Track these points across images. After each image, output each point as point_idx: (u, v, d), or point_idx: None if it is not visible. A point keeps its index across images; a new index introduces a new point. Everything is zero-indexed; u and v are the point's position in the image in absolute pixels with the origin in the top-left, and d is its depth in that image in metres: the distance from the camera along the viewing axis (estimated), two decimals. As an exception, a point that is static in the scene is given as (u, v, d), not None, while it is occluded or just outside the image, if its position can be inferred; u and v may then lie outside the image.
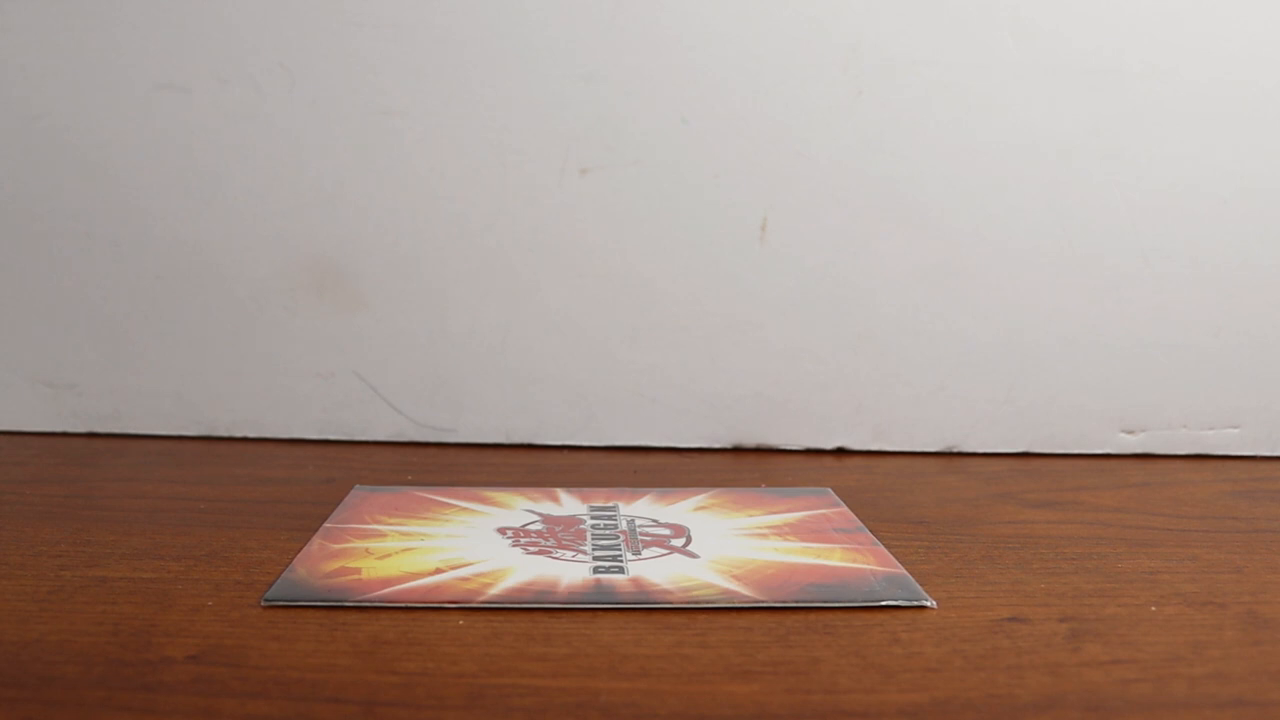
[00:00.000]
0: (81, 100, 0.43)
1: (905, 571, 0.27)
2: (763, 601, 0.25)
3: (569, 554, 0.29)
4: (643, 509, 0.34)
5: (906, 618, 0.24)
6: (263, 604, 0.25)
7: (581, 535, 0.31)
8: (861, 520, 0.33)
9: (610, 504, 0.34)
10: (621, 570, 0.27)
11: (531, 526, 0.32)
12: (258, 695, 0.20)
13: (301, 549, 0.29)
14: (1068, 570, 0.28)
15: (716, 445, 0.45)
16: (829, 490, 0.36)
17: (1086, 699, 0.20)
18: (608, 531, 0.31)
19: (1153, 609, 0.25)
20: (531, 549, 0.29)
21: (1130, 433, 0.44)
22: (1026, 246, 0.43)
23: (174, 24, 0.43)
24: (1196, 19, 0.42)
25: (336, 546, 0.30)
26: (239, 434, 0.45)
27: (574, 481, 0.38)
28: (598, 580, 0.27)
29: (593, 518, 0.33)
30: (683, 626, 0.24)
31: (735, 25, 0.42)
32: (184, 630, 0.23)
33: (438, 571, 0.27)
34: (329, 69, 0.43)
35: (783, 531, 0.31)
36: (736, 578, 0.27)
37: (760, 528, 0.31)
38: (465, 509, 0.34)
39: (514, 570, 0.27)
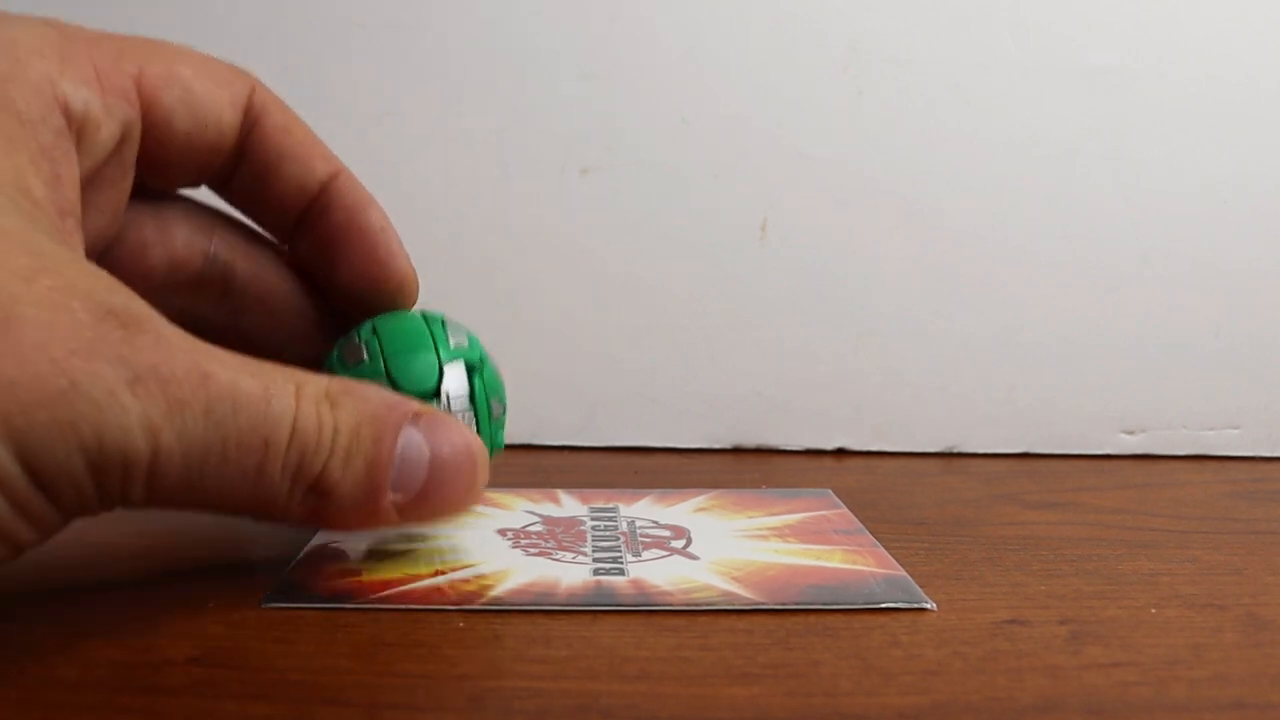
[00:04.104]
0: (81, 100, 0.43)
1: (905, 573, 0.27)
2: (763, 604, 0.25)
3: (569, 555, 0.29)
4: (643, 510, 0.34)
5: (907, 620, 0.24)
6: (263, 606, 0.25)
7: (582, 537, 0.31)
8: (862, 521, 0.33)
9: (610, 505, 0.34)
10: (622, 572, 0.27)
11: (532, 528, 0.32)
12: (258, 697, 0.20)
13: (303, 550, 0.29)
14: (1068, 572, 0.28)
15: (716, 446, 0.45)
16: (829, 491, 0.36)
17: (1086, 702, 0.20)
18: (608, 533, 0.31)
19: (1153, 611, 0.25)
20: (532, 550, 0.29)
21: (1130, 433, 0.44)
22: (1026, 246, 0.43)
23: (174, 24, 0.43)
24: (1196, 19, 0.42)
25: (336, 547, 0.30)
26: (239, 434, 0.45)
27: (574, 482, 0.38)
28: (598, 582, 0.27)
29: (593, 519, 0.33)
30: (683, 629, 0.24)
31: (735, 25, 0.42)
32: (184, 632, 0.23)
33: (438, 574, 0.27)
34: (329, 69, 0.43)
35: (783, 533, 0.31)
36: (737, 579, 0.27)
37: (760, 529, 0.31)
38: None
39: (514, 572, 0.27)
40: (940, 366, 0.44)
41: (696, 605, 0.25)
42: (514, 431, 0.45)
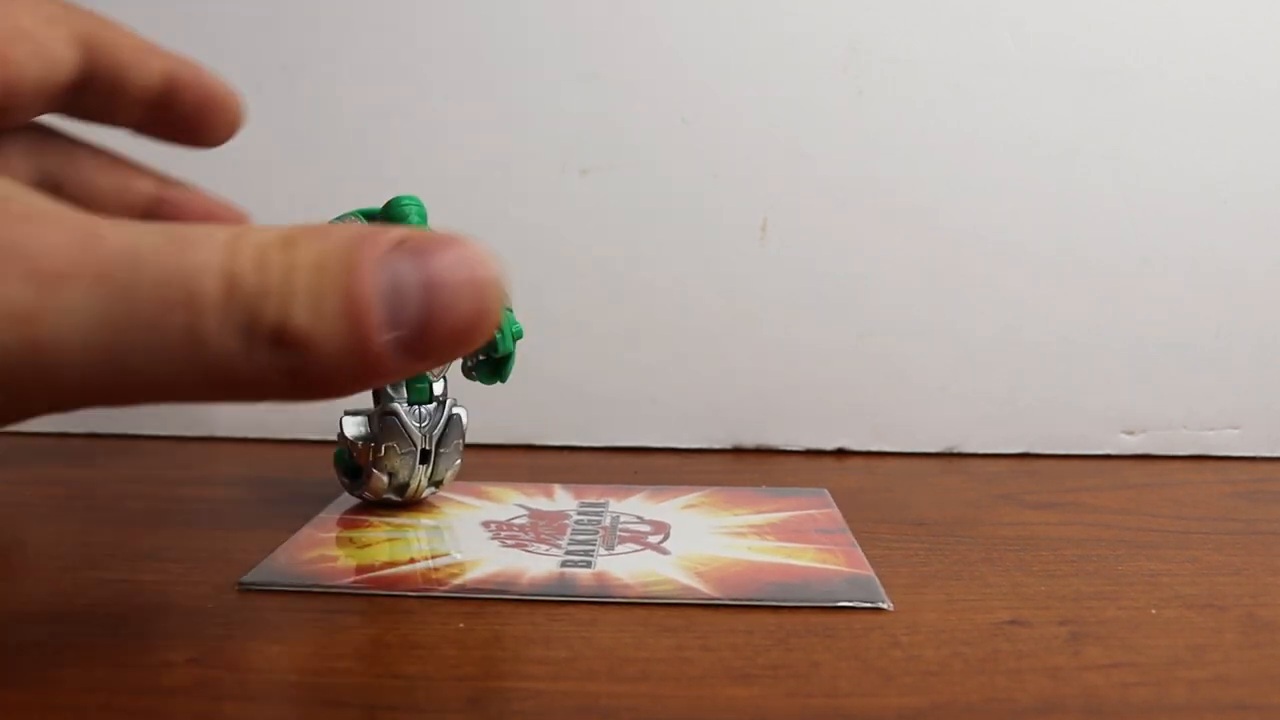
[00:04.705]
0: (81, 100, 0.43)
1: (873, 574, 0.27)
2: (718, 598, 0.25)
3: (543, 548, 0.29)
4: (632, 506, 0.34)
5: (907, 620, 0.24)
6: (239, 588, 0.26)
7: (562, 530, 0.31)
8: (862, 521, 0.32)
9: (602, 500, 0.34)
10: (589, 565, 0.27)
11: (516, 520, 0.32)
12: (258, 699, 0.20)
13: (290, 537, 0.30)
14: (1068, 573, 0.28)
15: (716, 446, 0.45)
16: (825, 491, 0.36)
17: (1086, 702, 0.20)
18: (589, 527, 0.31)
19: (1153, 611, 0.25)
20: (509, 542, 0.29)
21: (1130, 433, 0.44)
22: (1027, 246, 0.43)
23: (174, 24, 0.43)
24: (1196, 19, 0.42)
25: (323, 535, 0.30)
26: (240, 435, 0.45)
27: (573, 481, 0.38)
28: (562, 574, 0.27)
29: (579, 513, 0.33)
30: (682, 629, 0.24)
31: (735, 25, 0.42)
32: (184, 633, 0.23)
33: (412, 561, 0.28)
34: (329, 69, 0.43)
35: (762, 531, 0.31)
36: (700, 575, 0.27)
37: (741, 527, 0.31)
38: (458, 502, 0.34)
39: (484, 562, 0.28)
40: (940, 366, 0.44)
41: (652, 598, 0.25)
42: (514, 432, 0.45)
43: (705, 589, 0.26)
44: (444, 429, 0.31)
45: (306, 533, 0.30)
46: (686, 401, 0.44)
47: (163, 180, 0.29)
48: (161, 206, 0.29)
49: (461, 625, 0.24)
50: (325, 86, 0.43)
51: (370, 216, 0.32)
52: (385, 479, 0.31)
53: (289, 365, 0.17)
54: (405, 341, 0.18)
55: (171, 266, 0.17)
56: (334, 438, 0.32)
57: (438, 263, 0.18)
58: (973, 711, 0.20)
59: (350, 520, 0.32)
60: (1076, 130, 0.43)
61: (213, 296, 0.17)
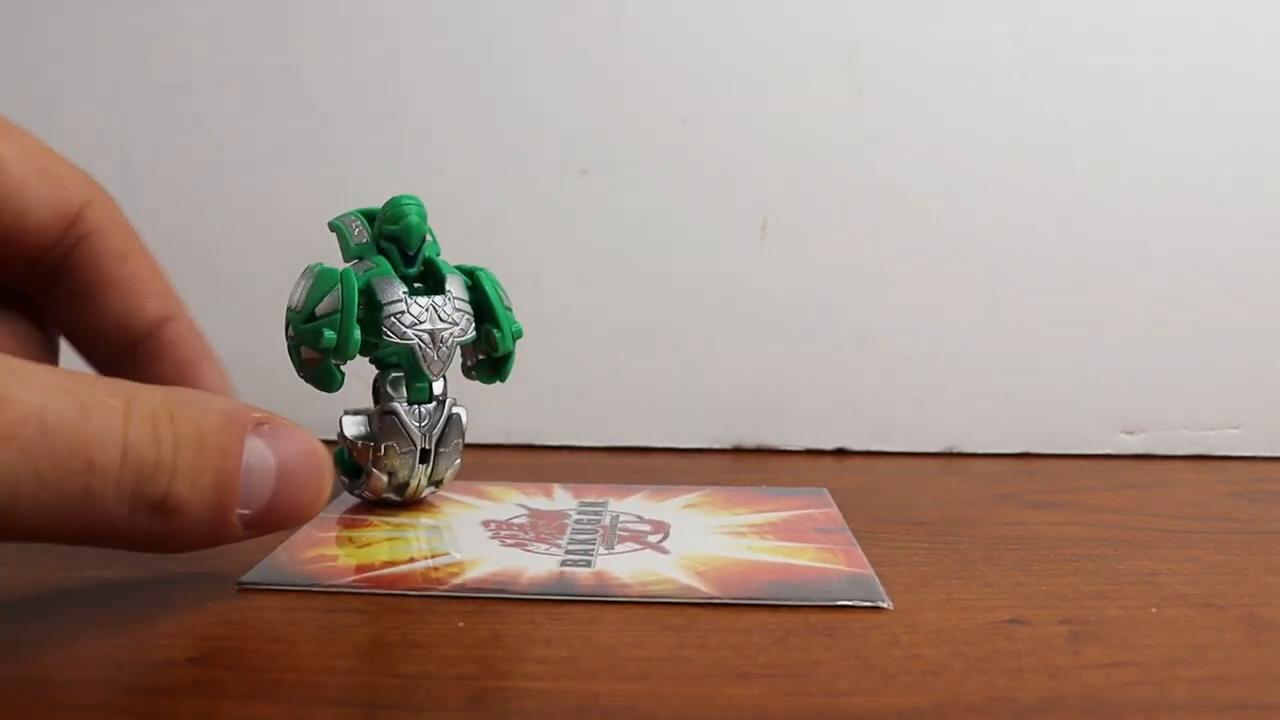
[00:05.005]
0: (81, 100, 0.43)
1: (872, 573, 0.27)
2: (718, 598, 0.25)
3: (543, 547, 0.29)
4: (632, 505, 0.34)
5: (907, 620, 0.24)
6: (239, 587, 0.26)
7: (562, 529, 0.31)
8: (862, 521, 0.32)
9: (601, 500, 0.34)
10: (589, 564, 0.27)
11: (516, 520, 0.32)
12: (258, 698, 0.20)
13: (290, 537, 0.30)
14: (1068, 572, 0.28)
15: (716, 446, 0.45)
16: (824, 490, 0.36)
17: (1086, 702, 0.20)
18: (589, 526, 0.31)
19: (1153, 611, 0.25)
20: (509, 542, 0.29)
21: (1130, 433, 0.44)
22: (1026, 246, 0.43)
23: (174, 24, 0.43)
24: (1196, 19, 0.42)
25: (323, 534, 0.30)
26: (239, 434, 0.45)
27: (573, 481, 0.38)
28: (561, 573, 0.27)
29: (579, 513, 0.33)
30: (683, 629, 0.24)
31: (735, 25, 0.42)
32: (184, 632, 0.23)
33: (411, 561, 0.28)
34: (329, 69, 0.43)
35: (762, 530, 0.31)
36: (699, 574, 0.27)
37: (740, 526, 0.31)
38: (458, 501, 0.34)
39: (483, 561, 0.28)
40: (940, 366, 0.44)
41: (652, 597, 0.25)
42: (514, 431, 0.45)
43: (705, 588, 0.26)
44: (444, 428, 0.31)
45: (306, 532, 0.30)
46: (686, 401, 0.44)
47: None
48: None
49: (461, 624, 0.24)
50: (325, 86, 0.43)
51: (370, 217, 0.32)
52: (385, 478, 0.31)
53: (161, 528, 0.20)
54: (250, 518, 0.21)
55: (77, 433, 0.18)
56: (334, 437, 0.32)
57: (287, 449, 0.21)
58: (973, 711, 0.20)
59: (350, 520, 0.32)
60: (1076, 130, 0.43)
61: (112, 464, 0.19)
